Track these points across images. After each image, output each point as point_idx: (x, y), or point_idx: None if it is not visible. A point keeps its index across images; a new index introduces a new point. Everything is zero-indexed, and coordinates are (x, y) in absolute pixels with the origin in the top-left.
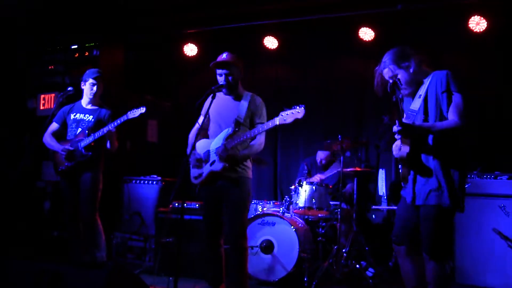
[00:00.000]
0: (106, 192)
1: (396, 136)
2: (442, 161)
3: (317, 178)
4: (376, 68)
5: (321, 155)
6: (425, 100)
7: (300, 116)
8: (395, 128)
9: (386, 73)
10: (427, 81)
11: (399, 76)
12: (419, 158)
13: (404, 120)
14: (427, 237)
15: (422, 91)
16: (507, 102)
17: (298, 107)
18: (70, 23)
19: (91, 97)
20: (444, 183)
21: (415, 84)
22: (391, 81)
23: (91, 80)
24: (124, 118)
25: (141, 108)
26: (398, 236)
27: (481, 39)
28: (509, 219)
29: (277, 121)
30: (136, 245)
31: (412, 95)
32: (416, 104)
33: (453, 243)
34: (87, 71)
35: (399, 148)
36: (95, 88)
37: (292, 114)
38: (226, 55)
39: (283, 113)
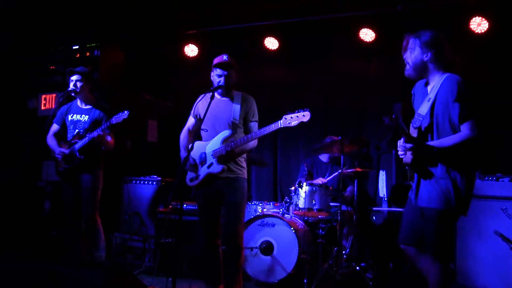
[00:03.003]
0: (106, 192)
1: (400, 151)
2: (448, 165)
3: (318, 181)
4: (407, 34)
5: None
6: (433, 105)
7: (306, 119)
8: (402, 146)
9: (410, 42)
10: (437, 84)
11: (414, 54)
12: (423, 164)
13: (411, 127)
14: (431, 239)
15: (431, 94)
16: (508, 103)
17: (303, 111)
18: (71, 24)
19: (78, 94)
20: (450, 187)
21: (420, 71)
22: (404, 54)
23: (75, 77)
24: (107, 123)
25: (125, 112)
26: (405, 236)
27: (482, 40)
28: (511, 222)
29: (280, 124)
30: (135, 246)
31: (426, 83)
32: (424, 108)
33: (454, 245)
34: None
35: (403, 151)
36: (78, 84)
37: (297, 118)
38: (226, 57)
39: (287, 116)
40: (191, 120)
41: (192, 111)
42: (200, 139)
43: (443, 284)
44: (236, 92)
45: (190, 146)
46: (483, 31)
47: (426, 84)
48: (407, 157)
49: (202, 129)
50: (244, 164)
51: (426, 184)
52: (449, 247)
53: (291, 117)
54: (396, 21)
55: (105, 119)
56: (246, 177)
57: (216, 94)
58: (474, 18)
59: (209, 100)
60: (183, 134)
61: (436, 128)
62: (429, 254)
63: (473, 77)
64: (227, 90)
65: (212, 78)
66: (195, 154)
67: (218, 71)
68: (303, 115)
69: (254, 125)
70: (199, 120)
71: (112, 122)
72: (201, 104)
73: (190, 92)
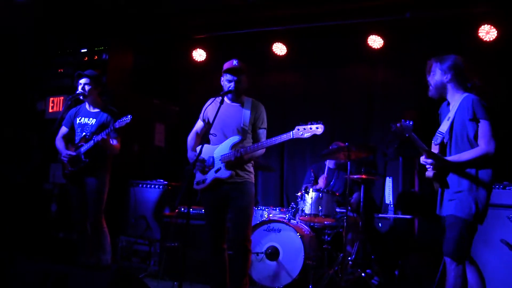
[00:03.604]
0: (113, 195)
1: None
2: (468, 178)
3: (320, 181)
4: (433, 59)
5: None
6: (452, 123)
7: (319, 132)
8: (423, 162)
9: (432, 66)
10: (456, 104)
11: (435, 77)
12: (445, 178)
13: (433, 144)
14: (447, 243)
15: (451, 113)
16: None
17: (316, 123)
18: (80, 27)
19: (87, 98)
20: (471, 198)
21: (441, 92)
22: (428, 76)
23: (83, 80)
24: (110, 128)
25: (128, 117)
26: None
27: (491, 48)
28: None
29: (292, 134)
30: (141, 249)
31: (438, 98)
32: (444, 126)
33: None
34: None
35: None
36: (86, 87)
37: (310, 130)
38: (236, 62)
39: (300, 127)
40: (199, 123)
41: (201, 115)
42: (208, 142)
43: (459, 284)
44: (247, 98)
45: (198, 149)
46: (491, 39)
47: (448, 104)
48: (429, 172)
49: (211, 134)
50: (252, 169)
51: (448, 196)
52: (464, 252)
53: (304, 129)
54: (405, 29)
55: (112, 123)
56: (253, 181)
57: (225, 99)
58: (482, 26)
59: (218, 104)
60: (191, 136)
61: (455, 145)
62: (444, 258)
63: (481, 84)
64: (237, 96)
65: (222, 83)
66: (203, 157)
67: (228, 76)
68: (317, 127)
69: (262, 133)
70: (207, 124)
71: (116, 126)
72: (210, 108)
73: (198, 96)
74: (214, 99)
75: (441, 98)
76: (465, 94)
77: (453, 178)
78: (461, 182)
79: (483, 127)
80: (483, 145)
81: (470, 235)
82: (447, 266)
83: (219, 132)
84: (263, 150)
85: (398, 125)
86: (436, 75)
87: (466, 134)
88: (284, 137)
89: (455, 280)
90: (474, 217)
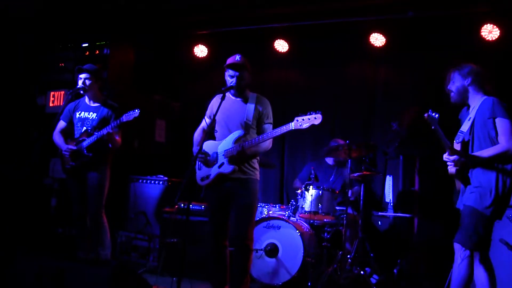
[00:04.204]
0: (112, 190)
1: (447, 161)
2: (488, 174)
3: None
4: (450, 69)
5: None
6: (473, 123)
7: (317, 122)
8: (446, 158)
9: (450, 76)
10: (477, 106)
11: (455, 83)
12: (467, 175)
13: (455, 142)
14: (461, 229)
15: (472, 114)
16: None
17: (314, 113)
18: (81, 22)
19: (87, 92)
20: (487, 191)
21: (463, 96)
22: (448, 85)
23: (83, 75)
24: (117, 122)
25: (136, 111)
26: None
27: (493, 48)
28: None
29: (292, 126)
30: (140, 245)
31: (460, 106)
32: (466, 126)
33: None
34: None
35: (450, 162)
36: (87, 82)
37: (308, 120)
38: (239, 57)
39: (299, 118)
40: (206, 120)
41: (207, 111)
42: (213, 139)
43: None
44: (252, 94)
45: (201, 145)
46: (494, 38)
47: (468, 108)
48: (452, 168)
49: (216, 129)
50: (257, 165)
51: (468, 191)
52: (474, 242)
53: (303, 119)
54: (407, 27)
55: (114, 118)
56: (258, 178)
57: (229, 95)
58: (485, 26)
59: (220, 100)
60: (197, 133)
61: (478, 143)
62: (458, 245)
63: None
64: (239, 91)
65: (226, 78)
66: (208, 152)
67: (230, 71)
68: (315, 118)
69: (268, 127)
70: (213, 120)
71: (123, 120)
72: (215, 104)
73: (199, 92)
74: (220, 95)
75: (448, 103)
76: (485, 97)
77: (474, 174)
78: (481, 178)
79: (504, 125)
80: (504, 142)
81: (486, 229)
82: (455, 254)
83: (224, 127)
84: (269, 145)
85: (425, 115)
86: (457, 81)
87: (487, 132)
88: (284, 128)
89: (459, 266)
90: (492, 212)
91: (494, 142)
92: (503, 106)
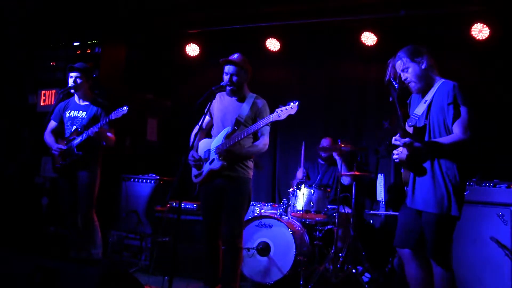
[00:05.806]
0: (104, 189)
1: (397, 144)
2: (441, 166)
3: (299, 175)
4: (389, 60)
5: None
6: (429, 107)
7: (293, 112)
8: (397, 139)
9: (399, 65)
10: (434, 88)
11: (410, 70)
12: (419, 163)
13: (407, 125)
14: (431, 243)
15: (428, 97)
16: (508, 110)
17: (292, 103)
18: (72, 20)
19: (78, 91)
20: (450, 191)
21: (424, 80)
22: (401, 74)
23: (74, 74)
24: (106, 119)
25: (124, 108)
26: (400, 239)
27: (483, 47)
28: (507, 228)
29: (271, 118)
30: (132, 244)
31: (423, 92)
32: (421, 109)
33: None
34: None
35: (400, 144)
36: (78, 80)
37: (286, 111)
38: (237, 56)
39: (278, 110)
40: (206, 118)
41: (206, 109)
42: (210, 137)
43: None
44: (250, 94)
45: (193, 143)
46: (484, 37)
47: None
48: (402, 154)
49: (213, 127)
50: (250, 164)
51: (421, 185)
52: (448, 251)
53: (281, 110)
54: (398, 26)
55: (104, 115)
56: (250, 177)
57: (225, 94)
58: (475, 25)
59: (223, 98)
60: (194, 131)
61: (432, 129)
62: (430, 259)
63: (474, 83)
64: (232, 90)
65: (223, 75)
66: (202, 150)
67: (225, 69)
68: (291, 108)
69: (265, 129)
70: (210, 119)
71: (111, 118)
72: (215, 102)
73: (191, 91)
74: (220, 93)
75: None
76: (443, 80)
77: (427, 165)
78: (435, 171)
79: (462, 113)
80: (457, 132)
81: (450, 232)
82: (434, 270)
83: (219, 126)
84: (264, 147)
85: (386, 79)
86: (411, 68)
87: (443, 119)
88: (265, 121)
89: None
90: (456, 213)
91: (449, 130)
92: (464, 92)
